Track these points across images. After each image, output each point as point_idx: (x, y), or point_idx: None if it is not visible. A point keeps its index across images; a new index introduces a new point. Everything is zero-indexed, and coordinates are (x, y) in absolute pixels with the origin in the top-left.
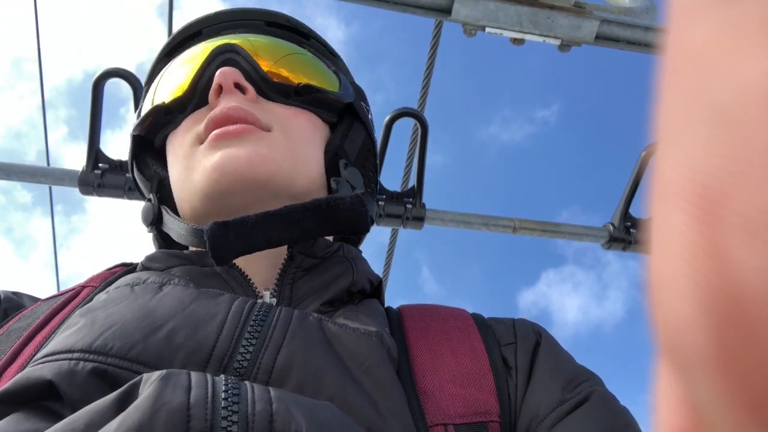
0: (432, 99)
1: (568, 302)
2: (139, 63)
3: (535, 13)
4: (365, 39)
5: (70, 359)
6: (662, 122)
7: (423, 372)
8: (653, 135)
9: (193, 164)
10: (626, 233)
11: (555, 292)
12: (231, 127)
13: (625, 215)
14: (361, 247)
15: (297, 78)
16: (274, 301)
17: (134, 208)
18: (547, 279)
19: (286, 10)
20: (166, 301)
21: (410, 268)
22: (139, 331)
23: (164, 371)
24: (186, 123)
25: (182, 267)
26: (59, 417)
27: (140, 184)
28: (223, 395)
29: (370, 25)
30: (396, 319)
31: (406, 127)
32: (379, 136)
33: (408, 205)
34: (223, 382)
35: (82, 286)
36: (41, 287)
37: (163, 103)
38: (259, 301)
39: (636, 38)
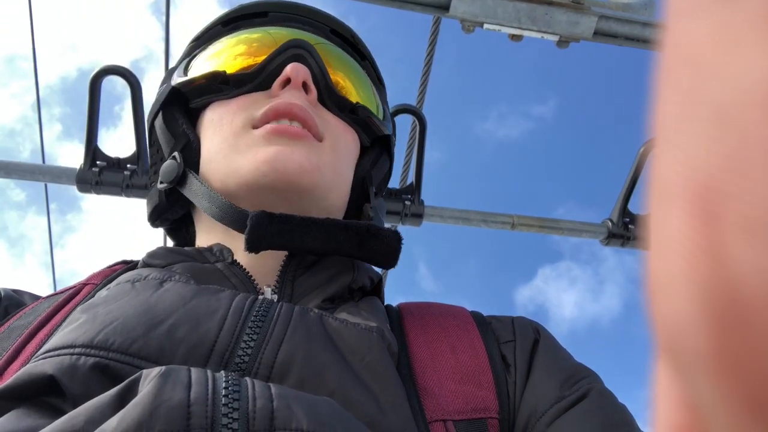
0: (429, 95)
1: (564, 298)
2: (133, 60)
3: (533, 9)
4: (363, 34)
5: (72, 354)
6: (661, 121)
7: (423, 369)
8: (651, 132)
9: (240, 146)
10: (625, 229)
11: (552, 288)
12: (291, 128)
13: (624, 211)
14: None
15: (355, 96)
16: (275, 297)
17: (130, 207)
18: (544, 275)
19: None
20: (166, 296)
21: (407, 264)
22: (141, 326)
23: (164, 367)
24: (240, 100)
25: (183, 264)
26: (60, 413)
27: (160, 137)
28: (223, 392)
29: (367, 21)
30: (395, 316)
31: (404, 123)
32: None
33: (406, 202)
34: (224, 379)
35: (84, 284)
36: (37, 286)
37: (224, 71)
38: (260, 297)
39: (634, 34)
